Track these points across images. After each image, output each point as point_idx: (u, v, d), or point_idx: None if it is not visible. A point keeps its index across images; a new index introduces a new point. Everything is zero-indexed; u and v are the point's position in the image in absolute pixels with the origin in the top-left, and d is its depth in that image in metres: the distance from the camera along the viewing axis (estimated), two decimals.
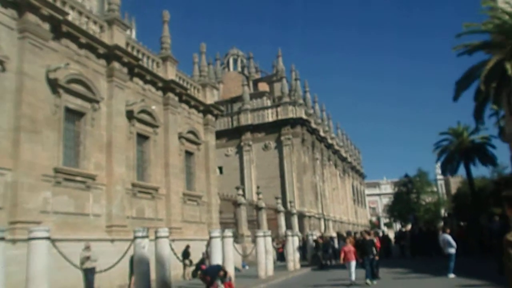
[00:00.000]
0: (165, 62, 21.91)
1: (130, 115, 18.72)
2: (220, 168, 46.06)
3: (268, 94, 48.90)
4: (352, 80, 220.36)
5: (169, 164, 20.98)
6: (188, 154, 23.44)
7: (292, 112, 43.82)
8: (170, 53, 22.29)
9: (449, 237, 15.63)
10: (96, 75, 17.25)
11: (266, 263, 18.77)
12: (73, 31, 15.94)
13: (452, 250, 15.32)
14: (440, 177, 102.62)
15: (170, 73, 21.86)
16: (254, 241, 27.22)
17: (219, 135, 46.22)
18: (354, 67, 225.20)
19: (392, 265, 21.23)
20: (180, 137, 22.42)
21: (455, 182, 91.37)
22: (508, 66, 18.12)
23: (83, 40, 16.40)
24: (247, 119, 44.99)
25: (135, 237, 10.87)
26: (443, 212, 73.81)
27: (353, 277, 14.34)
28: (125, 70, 18.51)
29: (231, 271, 15.22)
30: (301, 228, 39.43)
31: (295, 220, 37.70)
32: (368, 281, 14.27)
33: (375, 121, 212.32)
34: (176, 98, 22.13)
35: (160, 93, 21.30)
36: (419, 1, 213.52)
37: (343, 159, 61.44)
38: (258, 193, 32.57)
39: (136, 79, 19.70)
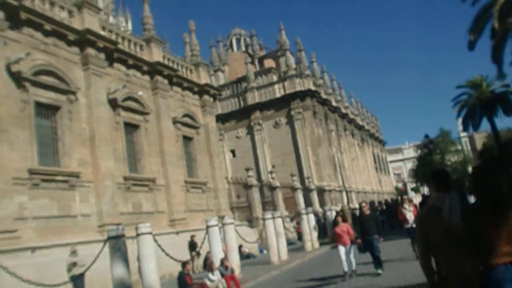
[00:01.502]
0: (149, 44, 20.36)
1: (114, 103, 17.31)
2: (233, 151, 44.75)
3: (275, 70, 46.95)
4: (361, 51, 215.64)
5: (165, 152, 19.58)
6: (187, 139, 22.00)
7: (299, 85, 41.91)
8: (154, 33, 20.73)
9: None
10: (69, 64, 15.82)
11: (279, 246, 17.33)
12: (35, 18, 14.47)
13: None
14: (463, 134, 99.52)
15: (155, 55, 20.32)
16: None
17: (228, 117, 44.85)
18: (361, 38, 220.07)
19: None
20: (175, 122, 20.97)
21: (480, 137, 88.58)
22: None
23: (48, 27, 14.94)
24: (254, 97, 43.28)
25: (109, 238, 9.48)
26: (470, 170, 71.41)
27: (346, 267, 11.15)
28: (102, 56, 17.04)
29: (235, 261, 13.83)
30: (322, 204, 37.85)
31: (314, 196, 36.15)
32: (379, 270, 11.01)
33: (390, 87, 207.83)
34: (166, 81, 20.61)
35: (147, 77, 19.80)
36: None
37: (360, 128, 59.30)
38: (271, 172, 31.02)
39: (117, 65, 18.23)
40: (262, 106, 42.95)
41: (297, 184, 33.48)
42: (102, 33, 17.25)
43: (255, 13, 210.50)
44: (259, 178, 38.62)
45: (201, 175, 22.27)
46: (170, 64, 21.46)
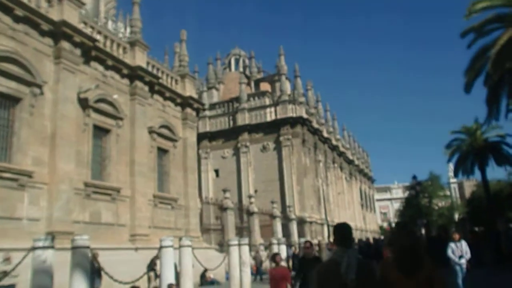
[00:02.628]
0: (134, 47, 19.35)
1: (84, 103, 16.16)
2: (217, 171, 43.53)
3: (269, 94, 46.09)
4: (362, 91, 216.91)
5: (136, 162, 18.35)
6: (162, 151, 20.82)
7: (291, 111, 41.00)
8: (139, 37, 19.74)
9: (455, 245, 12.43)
10: (39, 55, 14.72)
11: (242, 276, 15.98)
12: (4, 0, 13.44)
13: (462, 261, 12.25)
14: (453, 180, 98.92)
15: (139, 59, 19.30)
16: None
17: (216, 136, 43.75)
18: (364, 79, 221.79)
19: None
20: (151, 131, 19.83)
21: (469, 185, 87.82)
22: None
23: (19, 12, 13.89)
24: (244, 118, 42.28)
25: (33, 248, 8.22)
26: (457, 217, 70.46)
27: None
28: (77, 51, 15.97)
29: (189, 284, 12.53)
30: (302, 235, 36.58)
31: (293, 227, 34.83)
32: None
33: (386, 124, 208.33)
34: (146, 88, 19.54)
35: (126, 81, 18.72)
36: None
37: (350, 162, 58.36)
38: (250, 197, 29.79)
39: (94, 64, 17.15)
40: (251, 128, 41.96)
41: (277, 212, 32.21)
42: (81, 27, 16.19)
43: (259, 35, 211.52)
44: (240, 201, 37.43)
45: (172, 191, 21.03)
46: (154, 71, 20.44)
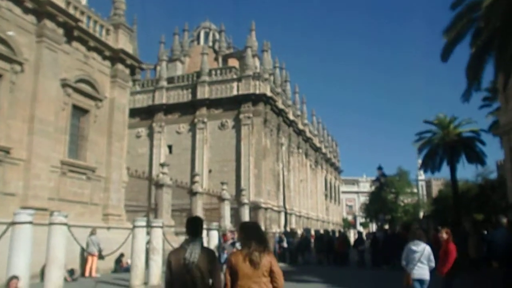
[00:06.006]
0: None
1: None
2: (170, 147, 40.17)
3: (236, 70, 42.61)
4: (338, 70, 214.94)
5: (37, 118, 14.91)
6: (80, 110, 17.42)
7: (254, 87, 37.80)
8: None
9: (416, 247, 8.14)
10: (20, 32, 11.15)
11: (151, 266, 12.90)
12: None
13: (421, 273, 8.06)
14: (421, 177, 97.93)
15: None
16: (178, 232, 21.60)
17: (172, 109, 40.23)
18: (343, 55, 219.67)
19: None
20: (65, 85, 16.38)
21: (437, 184, 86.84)
22: None
23: None
24: (203, 92, 38.87)
25: None
26: (421, 215, 69.01)
27: None
28: None
29: (53, 279, 9.34)
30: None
31: (245, 212, 31.81)
32: None
33: (359, 117, 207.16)
34: (60, 31, 16.01)
35: (31, 18, 15.13)
36: None
37: (316, 149, 55.62)
38: (194, 175, 26.50)
39: None
40: (210, 103, 38.62)
41: (226, 194, 29.12)
42: None
43: (232, 10, 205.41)
44: (192, 182, 34.15)
45: (90, 159, 17.68)
46: (76, 15, 16.92)
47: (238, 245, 10.56)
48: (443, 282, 8.72)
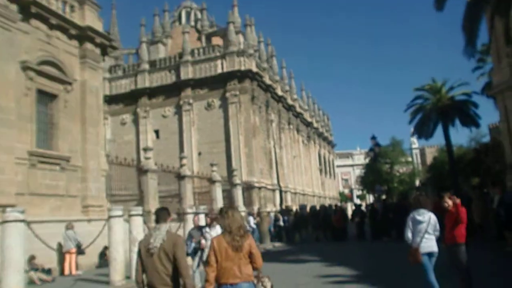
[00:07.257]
0: None
1: None
2: (157, 132, 38.75)
3: (220, 48, 40.97)
4: (324, 42, 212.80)
5: None
6: (46, 96, 15.95)
7: (239, 64, 36.30)
8: None
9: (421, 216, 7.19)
10: None
11: (133, 259, 11.68)
12: None
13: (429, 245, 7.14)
14: (415, 146, 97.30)
15: None
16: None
17: (156, 92, 38.63)
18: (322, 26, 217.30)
19: (332, 257, 14.38)
20: (26, 68, 14.88)
21: (431, 152, 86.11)
22: None
23: None
24: (187, 72, 37.31)
25: None
26: (418, 183, 68.43)
27: None
28: None
29: (17, 284, 8.10)
30: (249, 202, 32.63)
31: (238, 193, 30.61)
32: None
33: (349, 88, 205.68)
34: (14, 7, 14.49)
35: None
36: None
37: (308, 124, 54.35)
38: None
39: None
40: (195, 84, 37.10)
41: (216, 175, 27.85)
42: None
43: None
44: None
45: (63, 148, 16.30)
46: None
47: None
48: (456, 251, 7.55)
